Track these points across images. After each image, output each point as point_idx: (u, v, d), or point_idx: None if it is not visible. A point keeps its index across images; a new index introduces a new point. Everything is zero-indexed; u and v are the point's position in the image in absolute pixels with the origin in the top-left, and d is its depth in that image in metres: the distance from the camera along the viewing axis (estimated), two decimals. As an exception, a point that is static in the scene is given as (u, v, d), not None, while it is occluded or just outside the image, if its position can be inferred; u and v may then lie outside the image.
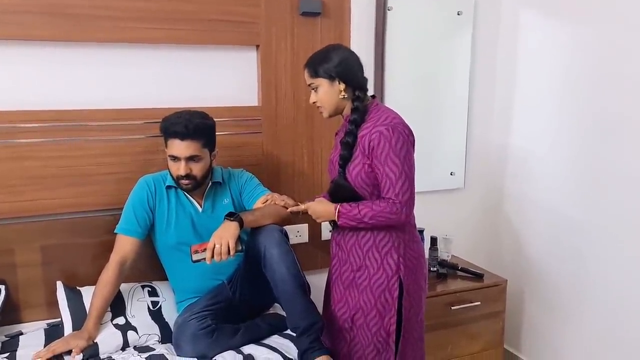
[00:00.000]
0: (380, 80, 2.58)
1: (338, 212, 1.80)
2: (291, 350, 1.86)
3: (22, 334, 1.97)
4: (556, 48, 2.50)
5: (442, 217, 2.79)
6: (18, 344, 1.88)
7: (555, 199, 2.55)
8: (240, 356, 1.81)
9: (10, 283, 2.04)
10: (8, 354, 1.80)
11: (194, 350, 1.81)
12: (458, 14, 2.67)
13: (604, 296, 2.34)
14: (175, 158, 1.92)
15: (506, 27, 2.77)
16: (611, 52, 2.24)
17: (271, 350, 1.85)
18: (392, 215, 1.73)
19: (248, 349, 1.87)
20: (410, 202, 1.75)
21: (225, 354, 1.82)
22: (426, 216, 2.61)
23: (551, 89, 2.55)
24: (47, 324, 2.05)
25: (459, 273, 2.60)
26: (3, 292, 1.99)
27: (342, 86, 1.80)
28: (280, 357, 1.81)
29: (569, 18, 2.42)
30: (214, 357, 1.81)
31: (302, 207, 1.92)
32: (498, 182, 2.88)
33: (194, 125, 1.89)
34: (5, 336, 1.93)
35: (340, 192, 1.84)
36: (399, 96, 2.60)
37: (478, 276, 2.55)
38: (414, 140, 1.80)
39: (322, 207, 1.86)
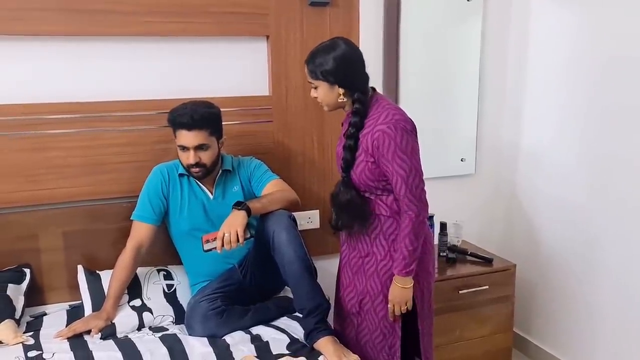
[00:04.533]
0: (395, 68, 2.61)
1: (403, 273, 1.79)
2: (298, 331, 1.93)
3: (45, 314, 2.08)
4: (568, 35, 2.49)
5: (452, 203, 2.81)
6: (42, 324, 1.99)
7: (566, 185, 2.56)
8: (248, 336, 1.89)
9: (34, 267, 2.15)
10: (32, 332, 1.92)
11: (204, 330, 1.89)
12: (467, 0, 2.67)
13: (614, 282, 2.35)
14: (184, 148, 1.99)
15: (517, 14, 2.76)
16: (624, 40, 2.22)
17: (278, 331, 1.92)
18: (419, 218, 1.77)
19: (256, 329, 1.95)
20: (424, 193, 1.79)
21: (234, 334, 1.91)
22: (436, 202, 2.61)
23: (563, 76, 2.54)
24: (69, 305, 2.16)
25: (469, 258, 2.63)
26: (28, 275, 2.11)
27: (341, 91, 1.80)
28: (287, 337, 1.88)
29: (581, 4, 2.41)
30: (223, 336, 1.89)
31: (393, 313, 1.87)
32: (509, 168, 2.89)
33: (200, 115, 1.96)
34: (30, 316, 2.05)
35: (349, 210, 1.86)
36: (412, 83, 2.63)
37: (487, 261, 2.58)
38: (416, 132, 1.81)
39: (399, 291, 1.82)
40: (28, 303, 2.06)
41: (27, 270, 2.12)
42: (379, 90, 1.99)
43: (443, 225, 2.64)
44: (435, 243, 2.67)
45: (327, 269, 2.38)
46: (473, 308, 2.52)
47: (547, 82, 2.63)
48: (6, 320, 1.88)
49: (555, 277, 2.67)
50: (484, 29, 2.74)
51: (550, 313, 2.72)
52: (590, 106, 2.40)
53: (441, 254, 2.63)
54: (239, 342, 1.83)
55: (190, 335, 1.91)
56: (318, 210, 2.57)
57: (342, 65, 1.77)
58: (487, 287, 2.49)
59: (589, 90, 2.39)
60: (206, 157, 2.01)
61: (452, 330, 2.49)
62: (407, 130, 1.76)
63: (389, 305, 1.85)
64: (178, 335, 1.89)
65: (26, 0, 2.03)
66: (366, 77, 1.84)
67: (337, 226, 1.93)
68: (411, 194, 1.75)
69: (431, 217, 2.60)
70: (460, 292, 2.45)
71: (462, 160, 2.83)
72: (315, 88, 1.84)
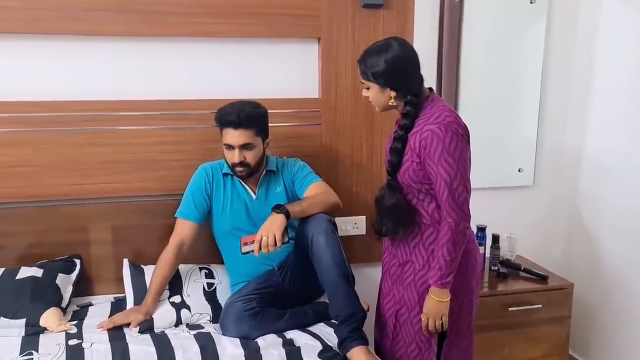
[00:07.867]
0: (456, 72, 2.53)
1: (438, 284, 1.69)
2: (333, 338, 1.88)
3: (91, 304, 2.15)
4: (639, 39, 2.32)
5: (507, 215, 2.68)
6: (86, 314, 2.06)
7: (634, 199, 2.38)
8: (281, 340, 1.86)
9: (84, 258, 2.23)
10: (76, 321, 1.98)
11: (237, 330, 1.89)
12: (531, 2, 2.54)
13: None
14: (229, 146, 2.00)
15: (585, 16, 2.60)
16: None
17: (312, 337, 1.88)
18: (459, 227, 1.67)
19: (291, 333, 1.92)
20: (466, 203, 1.68)
21: (267, 336, 1.89)
22: (490, 214, 2.53)
23: (632, 83, 2.37)
24: (114, 297, 2.21)
25: (522, 274, 2.49)
26: (78, 265, 2.18)
27: (393, 94, 1.74)
28: (320, 344, 1.83)
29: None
30: (255, 338, 1.87)
31: (427, 327, 1.77)
32: (571, 181, 2.72)
33: (246, 114, 1.96)
34: (77, 306, 2.12)
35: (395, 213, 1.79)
36: (472, 88, 2.55)
37: (542, 278, 2.43)
38: (469, 138, 1.73)
39: (433, 304, 1.73)
40: (76, 292, 2.13)
41: (78, 261, 2.20)
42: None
43: (495, 238, 2.52)
44: (486, 256, 2.56)
45: (372, 276, 2.32)
46: (524, 327, 2.38)
47: (615, 89, 2.46)
48: (52, 308, 1.95)
49: (617, 299, 2.48)
50: (548, 31, 2.60)
51: (611, 338, 2.53)
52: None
53: (492, 267, 2.51)
54: (270, 346, 1.81)
55: (224, 335, 1.91)
56: (365, 216, 2.51)
57: (393, 67, 1.71)
58: (540, 305, 2.35)
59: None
60: (251, 156, 2.01)
61: (500, 349, 2.37)
62: (458, 133, 1.67)
63: (422, 318, 1.77)
64: (212, 334, 1.89)
65: (83, 1, 2.10)
66: (420, 79, 1.77)
67: (380, 231, 1.87)
68: (453, 200, 1.66)
69: (483, 229, 2.50)
70: (510, 309, 2.32)
71: (519, 171, 2.69)
72: (368, 88, 1.79)
